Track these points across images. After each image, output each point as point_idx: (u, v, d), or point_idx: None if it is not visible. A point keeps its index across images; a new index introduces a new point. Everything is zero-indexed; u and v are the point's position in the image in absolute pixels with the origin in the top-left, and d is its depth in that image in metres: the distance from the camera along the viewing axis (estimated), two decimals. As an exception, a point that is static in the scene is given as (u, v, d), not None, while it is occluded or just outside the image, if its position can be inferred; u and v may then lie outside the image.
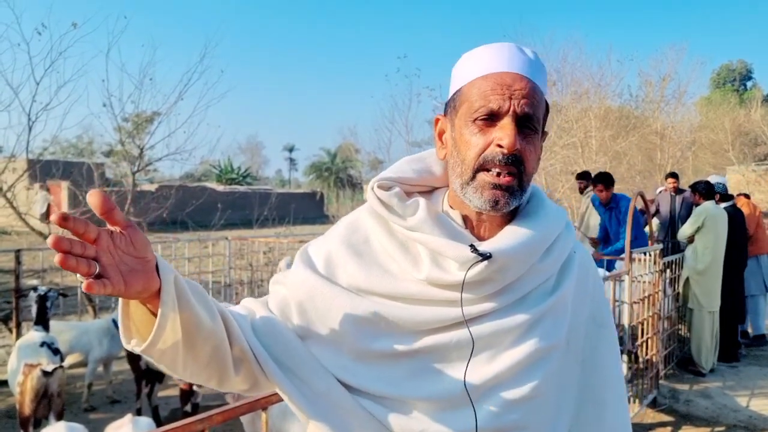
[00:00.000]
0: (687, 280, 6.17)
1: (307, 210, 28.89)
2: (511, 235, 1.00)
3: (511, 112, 0.95)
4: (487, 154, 0.96)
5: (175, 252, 8.67)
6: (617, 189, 6.63)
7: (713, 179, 7.13)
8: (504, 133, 0.94)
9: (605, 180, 6.24)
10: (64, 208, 17.91)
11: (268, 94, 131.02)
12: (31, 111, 8.13)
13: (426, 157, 1.12)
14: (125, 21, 9.79)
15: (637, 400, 4.85)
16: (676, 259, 6.21)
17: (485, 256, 0.95)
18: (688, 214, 7.29)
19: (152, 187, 18.87)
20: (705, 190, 6.22)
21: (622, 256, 4.75)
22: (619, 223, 6.10)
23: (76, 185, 11.01)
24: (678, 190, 8.37)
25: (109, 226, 0.84)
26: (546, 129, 1.07)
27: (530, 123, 0.97)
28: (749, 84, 51.40)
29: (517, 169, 0.96)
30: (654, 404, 5.12)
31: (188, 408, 4.56)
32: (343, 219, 1.13)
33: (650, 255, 5.14)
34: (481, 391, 0.97)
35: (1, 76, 8.06)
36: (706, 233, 6.01)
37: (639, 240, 5.83)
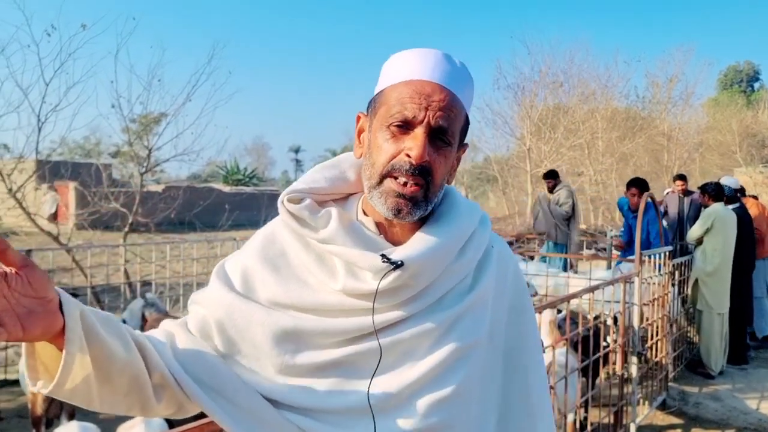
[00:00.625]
0: (696, 282, 6.14)
1: (313, 211, 28.89)
2: (422, 240, 0.99)
3: (424, 123, 0.95)
4: (395, 162, 0.96)
5: (183, 253, 8.71)
6: (622, 190, 6.62)
7: (726, 180, 7.10)
8: (414, 144, 0.95)
9: (639, 185, 6.21)
10: (72, 208, 17.98)
11: (274, 96, 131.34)
12: (41, 112, 8.20)
13: (341, 162, 1.12)
14: (134, 22, 9.81)
15: (646, 402, 4.84)
16: (684, 261, 6.19)
17: (397, 265, 0.95)
18: (697, 216, 7.27)
19: (159, 188, 18.92)
20: (714, 192, 6.20)
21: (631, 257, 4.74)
22: (648, 226, 6.11)
23: (84, 186, 11.07)
24: (686, 192, 8.35)
25: (2, 267, 0.79)
26: (466, 141, 1.07)
27: (443, 136, 0.97)
28: (756, 85, 51.12)
29: (424, 179, 0.96)
30: (663, 406, 5.10)
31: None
32: (259, 232, 1.12)
33: (659, 257, 5.12)
34: (404, 395, 0.97)
35: (12, 77, 8.12)
36: (715, 235, 5.98)
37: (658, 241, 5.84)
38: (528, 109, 17.16)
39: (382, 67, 1.06)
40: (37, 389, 0.88)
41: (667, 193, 9.07)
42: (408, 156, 0.95)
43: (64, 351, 0.84)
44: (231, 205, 13.87)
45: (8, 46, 8.27)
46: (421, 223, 1.03)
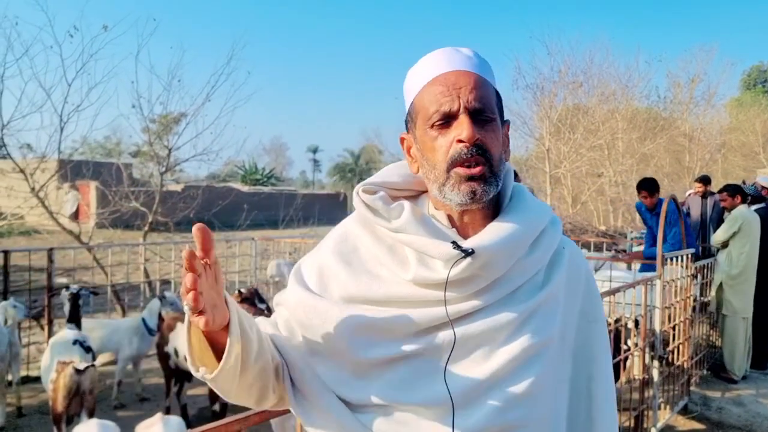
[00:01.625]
0: (720, 285, 6.05)
1: (331, 211, 28.97)
2: (493, 230, 1.01)
3: (462, 109, 0.98)
4: (452, 153, 0.98)
5: (202, 252, 8.76)
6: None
7: (762, 180, 6.99)
8: (460, 128, 0.97)
9: (648, 186, 6.14)
10: (93, 207, 18.20)
11: (292, 96, 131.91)
12: (63, 112, 8.30)
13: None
14: (154, 23, 9.93)
15: (667, 407, 4.77)
16: (707, 264, 6.10)
17: (468, 253, 0.96)
18: (719, 218, 7.16)
19: (178, 188, 19.07)
20: (738, 192, 6.10)
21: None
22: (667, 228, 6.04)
23: (105, 185, 11.19)
24: (706, 194, 8.22)
25: (201, 262, 0.87)
26: (505, 118, 1.09)
27: (484, 113, 1.00)
28: (781, 85, 50.26)
29: (484, 157, 0.98)
30: (685, 411, 5.03)
31: (216, 407, 4.60)
32: (332, 231, 1.16)
33: (682, 259, 5.05)
34: (481, 389, 0.97)
35: (35, 77, 8.25)
36: (742, 238, 5.89)
37: (689, 243, 5.76)
38: (547, 110, 17.03)
39: (403, 87, 1.10)
40: (200, 376, 0.97)
41: (689, 195, 8.94)
42: (460, 141, 0.97)
43: (228, 341, 0.93)
44: (249, 205, 13.97)
45: (32, 47, 8.38)
46: (492, 217, 1.05)
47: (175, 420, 3.04)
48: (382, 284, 1.03)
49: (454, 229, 1.04)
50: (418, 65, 1.07)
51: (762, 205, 6.52)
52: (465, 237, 1.03)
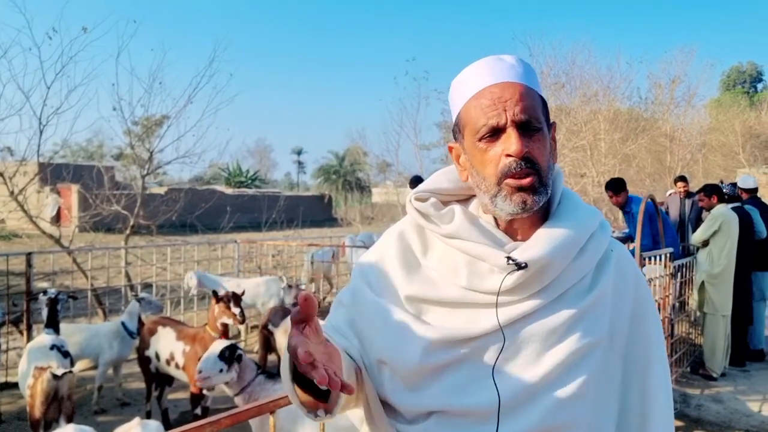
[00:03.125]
0: (702, 284, 6.11)
1: (316, 213, 28.94)
2: (544, 238, 1.03)
3: (509, 122, 1.00)
4: (501, 167, 1.01)
5: (184, 255, 8.70)
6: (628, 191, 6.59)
7: (743, 181, 7.11)
8: (509, 143, 1.00)
9: (613, 186, 6.23)
10: (74, 211, 18.02)
11: (276, 98, 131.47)
12: (42, 115, 8.21)
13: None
14: (135, 25, 9.84)
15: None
16: (686, 263, 6.16)
17: (521, 266, 0.99)
18: (698, 218, 7.25)
19: (161, 190, 18.93)
20: (716, 192, 6.20)
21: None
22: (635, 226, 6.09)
23: (86, 188, 11.08)
24: (688, 194, 8.32)
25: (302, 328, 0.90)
26: (552, 120, 1.11)
27: (531, 125, 1.02)
28: (759, 86, 50.98)
29: (533, 169, 1.01)
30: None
31: (198, 411, 4.57)
32: (389, 232, 1.19)
33: (661, 258, 5.10)
34: (530, 393, 0.99)
35: (13, 80, 8.14)
36: (722, 236, 5.96)
37: (668, 243, 5.82)
38: (530, 111, 17.12)
39: (450, 97, 1.13)
40: (319, 420, 1.03)
41: (670, 195, 9.05)
42: (509, 156, 1.00)
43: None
44: (233, 208, 13.89)
45: (10, 50, 8.28)
46: (541, 220, 1.07)
47: (153, 424, 3.02)
48: (434, 287, 1.06)
49: (502, 231, 1.07)
50: (461, 77, 1.09)
51: (738, 204, 6.61)
52: (514, 239, 1.06)
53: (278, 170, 74.98)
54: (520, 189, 1.00)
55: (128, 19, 15.95)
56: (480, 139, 1.03)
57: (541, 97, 1.07)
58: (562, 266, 1.03)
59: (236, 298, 4.62)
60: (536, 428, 0.98)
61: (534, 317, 1.02)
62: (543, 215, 1.08)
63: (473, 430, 1.00)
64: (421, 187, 1.15)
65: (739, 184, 7.24)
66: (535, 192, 1.01)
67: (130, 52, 9.66)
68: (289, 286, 6.85)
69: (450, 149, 1.15)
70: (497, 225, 1.08)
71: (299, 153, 75.37)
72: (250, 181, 44.69)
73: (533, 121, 1.02)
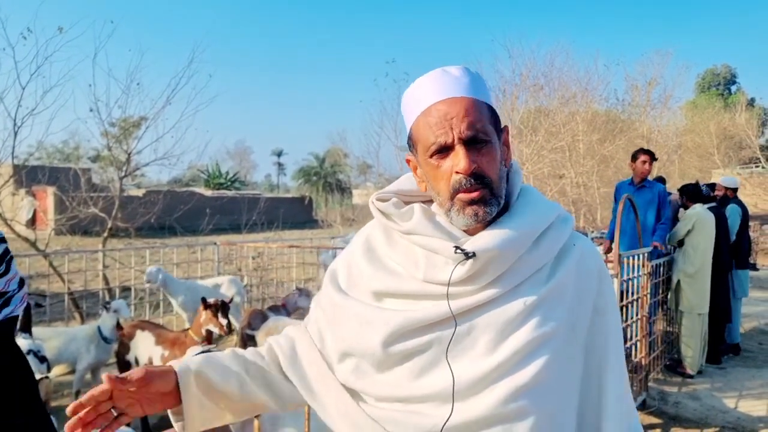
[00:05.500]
0: (678, 283, 6.20)
1: (296, 215, 28.82)
2: (492, 231, 1.07)
3: (457, 140, 1.04)
4: (453, 183, 1.06)
5: (163, 257, 8.62)
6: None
7: (725, 181, 7.24)
8: (456, 160, 1.04)
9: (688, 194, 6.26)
10: (50, 213, 17.74)
11: (256, 99, 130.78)
12: (17, 116, 8.09)
13: None
14: (112, 26, 9.75)
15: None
16: (664, 262, 6.25)
17: (469, 255, 1.03)
18: (675, 217, 7.35)
19: (139, 193, 18.74)
20: (693, 193, 6.29)
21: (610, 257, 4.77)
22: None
23: (63, 191, 10.93)
24: (679, 190, 8.42)
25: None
26: (503, 124, 1.15)
27: (478, 139, 1.05)
28: (733, 88, 51.81)
29: (482, 183, 1.05)
30: (643, 406, 5.14)
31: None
32: (357, 234, 1.26)
33: (638, 258, 5.17)
34: (485, 381, 1.02)
35: (-14, 81, 8.01)
36: (696, 236, 6.05)
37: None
38: (509, 112, 17.24)
39: (402, 109, 1.17)
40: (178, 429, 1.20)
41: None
42: (458, 173, 1.04)
43: (183, 410, 1.17)
44: (212, 210, 13.80)
45: (-17, 50, 8.14)
46: (498, 217, 1.11)
47: (124, 430, 2.98)
48: (398, 280, 1.11)
49: (461, 229, 1.11)
50: (411, 92, 1.13)
51: (713, 204, 6.72)
52: (471, 235, 1.09)
53: (258, 172, 74.69)
54: (471, 202, 1.05)
55: (105, 19, 15.78)
56: (431, 156, 1.07)
57: (489, 106, 1.10)
58: (514, 257, 1.06)
59: (224, 308, 4.58)
60: (491, 415, 1.00)
61: (489, 307, 1.05)
62: (500, 212, 1.11)
63: (430, 414, 1.03)
64: (384, 189, 1.21)
65: (724, 184, 7.39)
66: (487, 204, 1.06)
67: (108, 52, 9.63)
68: (299, 290, 6.71)
69: (408, 161, 1.19)
70: None
71: (279, 155, 75.09)
72: (229, 183, 44.38)
73: (480, 135, 1.05)
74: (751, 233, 11.39)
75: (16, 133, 8.12)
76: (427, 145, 1.07)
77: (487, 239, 1.05)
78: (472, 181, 1.04)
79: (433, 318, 1.05)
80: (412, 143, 1.14)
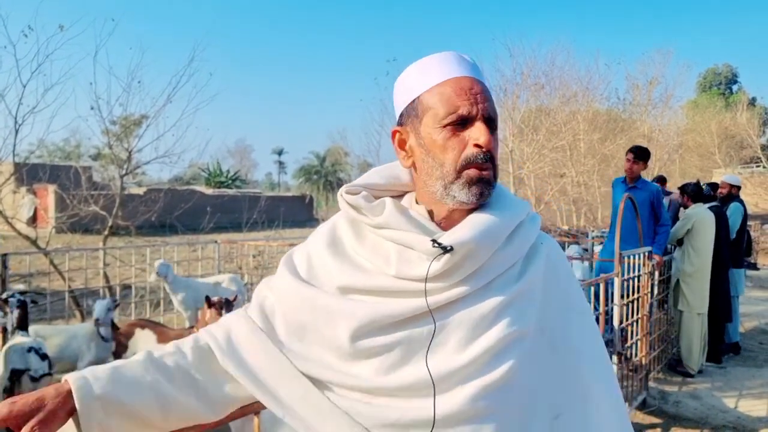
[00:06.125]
0: (677, 282, 6.20)
1: (297, 213, 28.84)
2: (470, 224, 1.05)
3: (480, 115, 1.04)
4: (467, 155, 1.04)
5: (164, 256, 8.61)
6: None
7: (729, 179, 7.23)
8: (479, 133, 1.03)
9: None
10: (51, 211, 17.76)
11: (257, 98, 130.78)
12: (18, 114, 8.08)
13: (393, 167, 1.20)
14: (113, 24, 9.73)
15: (626, 402, 4.87)
16: (665, 261, 6.24)
17: (447, 249, 1.00)
18: (676, 216, 7.36)
19: (140, 191, 18.73)
20: (694, 193, 6.28)
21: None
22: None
23: (64, 189, 10.94)
24: (665, 193, 8.42)
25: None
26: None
27: (494, 123, 1.07)
28: (735, 87, 51.84)
29: (491, 163, 1.06)
30: (643, 405, 5.14)
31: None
32: (322, 224, 1.21)
33: (639, 257, 5.16)
34: (458, 376, 1.00)
35: (-13, 79, 8.00)
36: (696, 235, 6.06)
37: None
38: (510, 111, 17.24)
39: (399, 81, 1.14)
40: None
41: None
42: (477, 146, 1.03)
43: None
44: (213, 208, 13.79)
45: (-16, 48, 8.14)
46: (470, 210, 1.09)
47: None
48: (367, 276, 1.07)
49: (434, 222, 1.09)
50: (422, 64, 1.10)
51: (714, 203, 6.72)
52: (445, 230, 1.07)
53: (259, 170, 74.74)
54: (480, 180, 1.04)
55: (106, 17, 15.76)
56: (446, 125, 1.04)
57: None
58: (489, 252, 1.04)
59: (228, 306, 4.59)
60: (460, 412, 0.98)
61: (463, 303, 1.03)
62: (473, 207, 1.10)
63: (400, 408, 1.00)
64: (353, 182, 1.17)
65: (728, 181, 7.39)
66: (490, 185, 1.06)
67: (108, 50, 9.56)
68: None
69: (393, 133, 1.14)
70: (429, 215, 1.10)
71: (280, 153, 75.07)
72: (230, 182, 44.38)
73: (495, 121, 1.07)
74: (752, 233, 11.41)
75: (17, 131, 8.12)
76: (444, 112, 1.04)
77: (464, 233, 1.03)
78: (487, 157, 1.04)
79: (405, 314, 1.02)
80: (414, 113, 1.09)
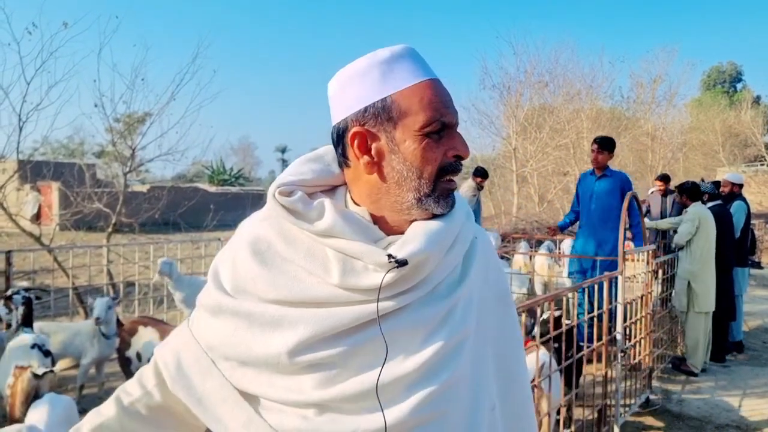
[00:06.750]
0: (681, 280, 6.18)
1: (300, 211, 28.83)
2: (422, 234, 0.99)
3: (455, 124, 1.01)
4: (444, 165, 1.00)
5: (167, 253, 8.62)
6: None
7: (732, 177, 7.22)
8: (459, 143, 1.00)
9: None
10: (55, 209, 17.80)
11: (260, 95, 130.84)
12: (22, 111, 8.08)
13: (324, 155, 1.10)
14: (117, 21, 9.75)
15: (630, 400, 4.86)
16: (668, 260, 6.23)
17: (402, 263, 0.94)
18: (678, 215, 7.35)
19: (144, 188, 18.78)
20: (691, 191, 6.28)
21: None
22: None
23: (67, 186, 10.96)
24: (667, 192, 8.41)
25: None
26: (461, 118, 1.14)
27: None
28: (739, 86, 51.63)
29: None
30: (647, 404, 5.13)
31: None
32: (241, 229, 1.10)
33: (643, 256, 5.15)
34: (405, 384, 0.97)
35: (-9, 76, 8.02)
36: (700, 234, 6.04)
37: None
38: (514, 109, 17.24)
39: (357, 71, 1.02)
40: None
41: (651, 193, 9.14)
42: (457, 156, 1.01)
43: None
44: (216, 206, 13.80)
45: (-12, 45, 8.16)
46: None
47: (65, 399, 3.06)
48: (302, 286, 0.98)
49: (376, 225, 1.03)
50: (385, 59, 1.01)
51: (718, 202, 6.70)
52: (387, 233, 1.02)
53: (262, 168, 74.70)
54: (450, 192, 1.02)
55: (110, 14, 15.79)
56: (428, 134, 0.98)
57: None
58: (438, 260, 1.00)
59: None
60: (413, 418, 0.96)
61: (408, 311, 0.98)
62: None
63: (342, 422, 0.96)
64: (283, 179, 1.05)
65: (730, 180, 7.37)
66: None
67: (112, 48, 9.62)
68: None
69: (354, 135, 1.01)
70: (372, 218, 1.04)
71: (283, 151, 75.07)
72: (233, 179, 44.41)
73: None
74: (756, 231, 11.37)
75: (21, 129, 8.12)
76: (423, 120, 0.97)
77: (416, 244, 0.97)
78: (460, 167, 1.02)
79: (348, 324, 0.96)
80: (387, 116, 0.99)
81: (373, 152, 1.01)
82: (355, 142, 1.01)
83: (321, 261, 0.99)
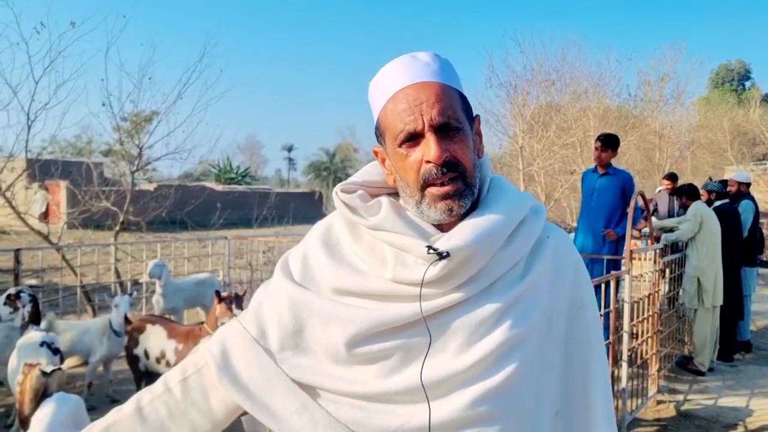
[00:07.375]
0: (691, 278, 6.16)
1: (306, 209, 28.87)
2: (467, 228, 1.00)
3: (428, 127, 0.98)
4: (423, 174, 1.00)
5: (174, 251, 8.67)
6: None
7: (738, 176, 7.21)
8: (427, 149, 0.98)
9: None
10: (63, 207, 17.89)
11: (266, 94, 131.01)
12: (30, 110, 8.13)
13: None
14: (124, 20, 9.74)
15: (637, 399, 4.85)
16: (675, 259, 6.21)
17: (443, 255, 0.96)
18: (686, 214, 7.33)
19: (151, 187, 18.84)
20: (689, 192, 6.32)
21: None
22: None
23: (75, 185, 11.00)
24: (674, 191, 8.38)
25: None
26: (475, 113, 1.09)
27: (450, 126, 1.00)
28: (747, 84, 51.31)
29: (456, 172, 1.00)
30: (654, 403, 5.12)
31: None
32: (317, 224, 1.16)
33: (650, 254, 5.14)
34: (455, 383, 0.97)
35: (1, 75, 8.06)
36: (704, 231, 6.04)
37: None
38: (520, 108, 17.18)
39: (369, 98, 1.09)
40: None
41: (659, 191, 9.11)
42: (428, 162, 0.98)
43: None
44: (223, 204, 13.83)
45: (-3, 44, 8.20)
46: (470, 210, 1.04)
47: (73, 398, 3.06)
48: (363, 279, 1.03)
49: (431, 224, 1.04)
50: (378, 78, 1.07)
51: (725, 201, 6.68)
52: (442, 231, 1.03)
53: (269, 167, 75.05)
54: (445, 196, 0.99)
55: (118, 13, 15.84)
56: (400, 145, 1.01)
57: (461, 93, 1.05)
58: (489, 255, 1.00)
59: (239, 300, 4.60)
60: (460, 418, 0.96)
61: (461, 308, 0.99)
62: (472, 205, 1.05)
63: (396, 414, 0.98)
64: (349, 179, 1.13)
65: (736, 179, 7.35)
66: (461, 196, 1.00)
67: (120, 47, 9.58)
68: None
69: (376, 153, 1.12)
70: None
71: (290, 149, 75.15)
72: (240, 178, 44.54)
73: (452, 122, 1.00)
74: (764, 230, 11.30)
75: (29, 128, 8.17)
76: (395, 134, 1.01)
77: (461, 237, 0.98)
78: (444, 170, 0.98)
79: (401, 320, 0.99)
80: (379, 133, 1.07)
81: (386, 166, 1.10)
82: (379, 158, 1.12)
83: (380, 256, 1.04)
